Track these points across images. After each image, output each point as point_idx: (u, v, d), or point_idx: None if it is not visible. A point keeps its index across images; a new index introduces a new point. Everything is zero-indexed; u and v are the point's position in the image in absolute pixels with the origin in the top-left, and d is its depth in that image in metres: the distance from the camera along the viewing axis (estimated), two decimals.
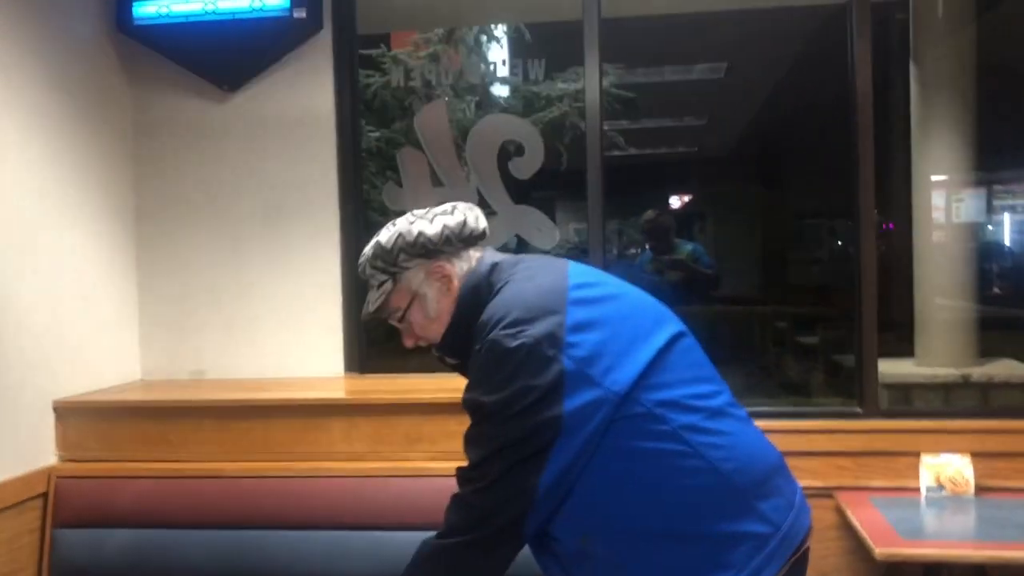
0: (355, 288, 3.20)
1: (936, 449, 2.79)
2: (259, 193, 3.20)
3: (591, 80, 3.10)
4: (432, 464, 2.63)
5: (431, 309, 1.62)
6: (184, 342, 3.24)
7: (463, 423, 2.63)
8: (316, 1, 3.10)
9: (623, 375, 1.43)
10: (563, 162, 4.78)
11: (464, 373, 1.61)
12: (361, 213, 3.25)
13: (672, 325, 1.56)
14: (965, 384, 3.80)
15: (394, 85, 3.79)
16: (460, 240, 1.62)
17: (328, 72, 3.18)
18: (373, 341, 3.70)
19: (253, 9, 3.07)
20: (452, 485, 2.57)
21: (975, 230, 4.60)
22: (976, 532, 2.55)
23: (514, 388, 1.39)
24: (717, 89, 6.66)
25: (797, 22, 4.95)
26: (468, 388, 1.49)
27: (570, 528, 1.46)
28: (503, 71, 4.24)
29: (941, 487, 2.74)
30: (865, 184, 2.96)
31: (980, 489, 2.73)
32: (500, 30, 5.03)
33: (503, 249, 3.41)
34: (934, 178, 4.23)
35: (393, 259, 1.61)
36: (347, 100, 3.20)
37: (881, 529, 2.46)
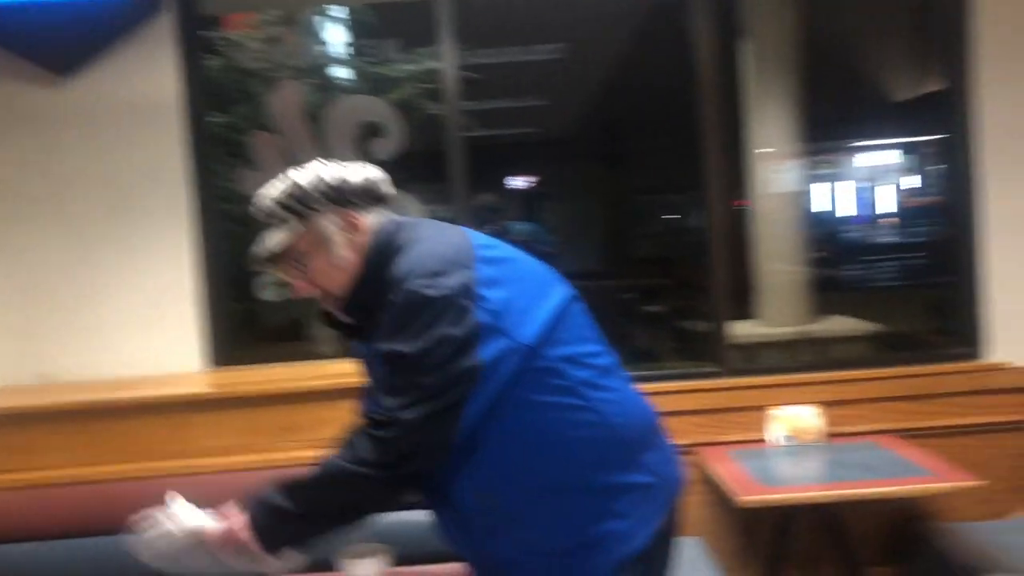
0: (212, 279, 3.09)
1: (786, 402, 2.99)
2: (104, 184, 3.03)
3: (448, 60, 3.10)
4: (307, 453, 2.57)
5: (337, 257, 1.57)
6: (32, 346, 3.04)
7: (335, 410, 2.61)
8: None
9: (530, 329, 1.48)
10: (411, 144, 4.76)
11: (352, 334, 1.62)
12: (214, 196, 3.13)
13: (565, 287, 1.61)
14: (805, 340, 4.07)
15: (241, 67, 3.65)
16: (373, 197, 1.61)
17: (170, 55, 3.04)
18: (230, 332, 3.58)
19: None
20: None
21: (800, 198, 4.92)
22: (826, 475, 2.77)
23: (434, 337, 1.41)
24: (558, 70, 6.78)
25: (625, 7, 5.10)
26: (386, 339, 1.45)
27: (471, 482, 1.49)
28: (347, 53, 4.17)
29: (793, 436, 2.94)
30: (711, 157, 3.11)
31: (828, 435, 2.95)
32: (342, 11, 4.94)
33: None
34: (764, 150, 4.47)
35: (310, 201, 1.56)
36: (194, 84, 3.08)
37: (741, 479, 2.62)
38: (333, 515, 1.51)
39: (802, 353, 4.06)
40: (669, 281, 7.48)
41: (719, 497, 2.96)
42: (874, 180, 13.32)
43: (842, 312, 4.55)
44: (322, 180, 1.57)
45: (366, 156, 3.18)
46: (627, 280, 7.97)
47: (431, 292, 1.43)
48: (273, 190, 1.59)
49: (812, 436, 2.93)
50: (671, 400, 2.86)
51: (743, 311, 4.41)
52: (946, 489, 2.55)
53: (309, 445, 2.58)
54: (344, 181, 1.58)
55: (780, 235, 4.47)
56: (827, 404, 3.00)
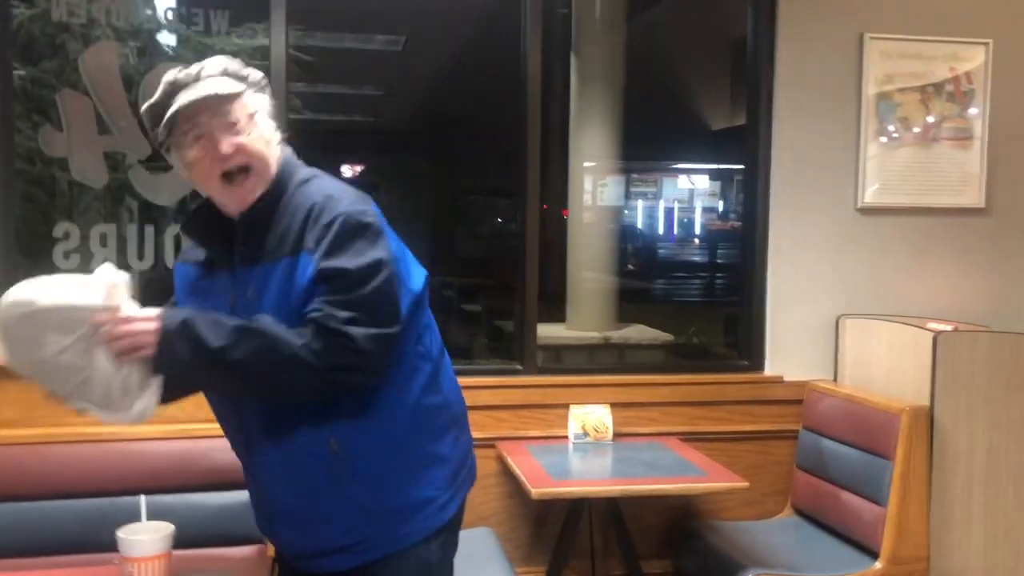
0: (5, 243, 2.90)
1: (583, 401, 3.15)
2: None
3: (277, 39, 3.06)
4: (97, 429, 2.47)
5: (268, 134, 1.54)
6: None
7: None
8: None
9: (416, 281, 1.59)
10: None
11: (214, 249, 1.58)
12: (11, 158, 2.93)
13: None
14: (606, 345, 4.29)
15: (55, 19, 3.43)
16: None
17: None
18: None
19: None
20: (120, 451, 2.46)
21: (616, 213, 5.17)
22: (612, 471, 2.93)
23: (372, 259, 1.46)
24: (394, 61, 6.78)
25: (472, 4, 5.18)
26: (324, 257, 1.44)
27: (337, 427, 1.52)
28: (174, 18, 3.99)
29: (586, 434, 3.11)
30: (532, 165, 3.22)
31: (617, 435, 3.13)
32: None
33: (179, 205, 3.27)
34: (587, 164, 4.68)
35: (246, 78, 1.54)
36: None
37: (536, 472, 2.74)
38: (248, 375, 1.44)
39: (603, 357, 4.27)
40: (489, 281, 7.62)
41: (514, 489, 3.08)
42: (686, 202, 14.14)
43: (646, 322, 4.82)
44: (255, 71, 1.56)
45: None
46: (449, 277, 8.06)
47: (366, 219, 1.48)
48: (206, 63, 1.50)
49: (603, 434, 3.10)
50: (477, 395, 2.93)
51: (554, 314, 4.59)
52: (716, 489, 2.78)
53: (95, 421, 2.49)
54: (265, 78, 1.58)
55: (594, 245, 4.68)
56: (620, 405, 3.18)
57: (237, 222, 1.53)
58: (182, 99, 1.44)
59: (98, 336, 1.40)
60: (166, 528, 1.73)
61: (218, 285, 1.56)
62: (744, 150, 3.44)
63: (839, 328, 3.31)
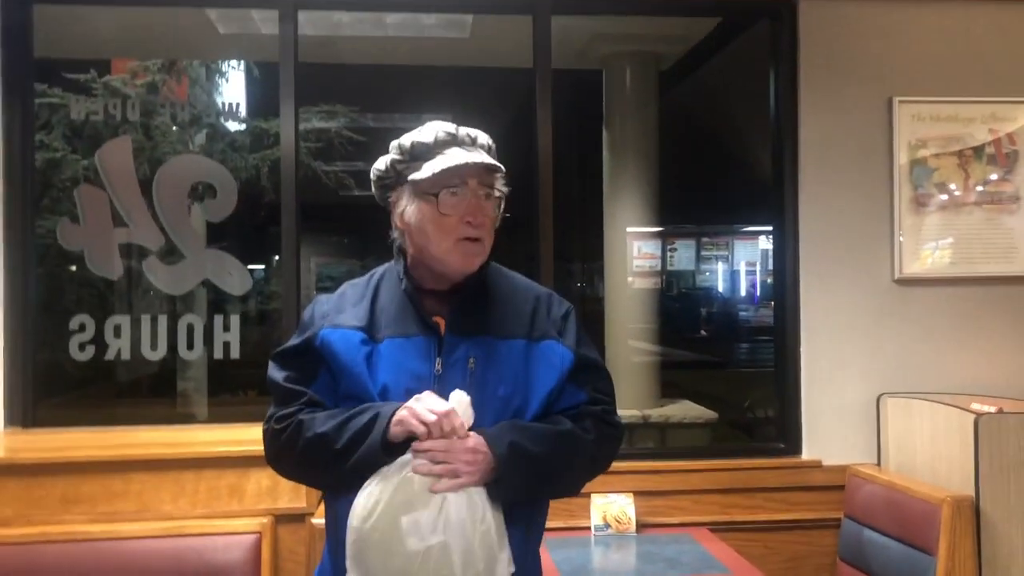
0: (19, 333, 2.94)
1: (607, 489, 2.99)
2: None
3: (286, 122, 3.08)
4: (91, 527, 2.45)
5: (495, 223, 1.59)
6: None
7: (128, 482, 2.50)
8: None
9: None
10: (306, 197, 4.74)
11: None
12: (31, 246, 2.99)
13: None
14: (645, 424, 4.11)
15: (80, 117, 3.56)
16: None
17: None
18: (62, 389, 3.43)
19: None
20: (114, 549, 2.42)
21: (677, 279, 5.04)
22: (633, 568, 2.75)
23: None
24: None
25: (511, 83, 5.22)
26: (579, 346, 1.57)
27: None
28: (229, 107, 4.14)
29: (607, 525, 2.94)
30: (544, 237, 3.15)
31: (643, 525, 2.95)
32: (227, 65, 4.91)
33: (191, 295, 3.30)
34: (634, 229, 4.56)
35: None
36: (17, 130, 2.97)
37: (547, 571, 2.58)
38: (559, 477, 1.50)
39: (641, 438, 4.10)
40: None
41: None
42: (751, 264, 13.81)
43: (703, 391, 4.63)
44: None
45: (197, 216, 3.12)
46: None
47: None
48: (482, 133, 1.58)
49: (625, 526, 2.93)
50: None
51: None
52: None
53: (94, 519, 2.48)
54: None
55: (639, 314, 4.54)
56: (647, 494, 3.01)
57: (455, 292, 1.56)
58: (467, 156, 1.48)
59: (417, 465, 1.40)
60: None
61: (415, 350, 1.51)
62: (771, 219, 3.28)
63: (880, 408, 3.08)
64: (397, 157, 1.54)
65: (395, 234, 1.59)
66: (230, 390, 4.33)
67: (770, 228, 3.32)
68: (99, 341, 3.08)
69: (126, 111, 3.70)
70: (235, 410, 4.32)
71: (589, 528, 2.96)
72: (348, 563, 1.40)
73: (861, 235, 3.14)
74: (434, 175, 1.47)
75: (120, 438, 2.79)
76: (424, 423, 1.39)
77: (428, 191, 1.49)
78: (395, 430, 1.40)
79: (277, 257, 3.41)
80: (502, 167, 1.52)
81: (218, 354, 3.13)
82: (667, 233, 4.57)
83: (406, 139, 1.53)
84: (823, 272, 3.14)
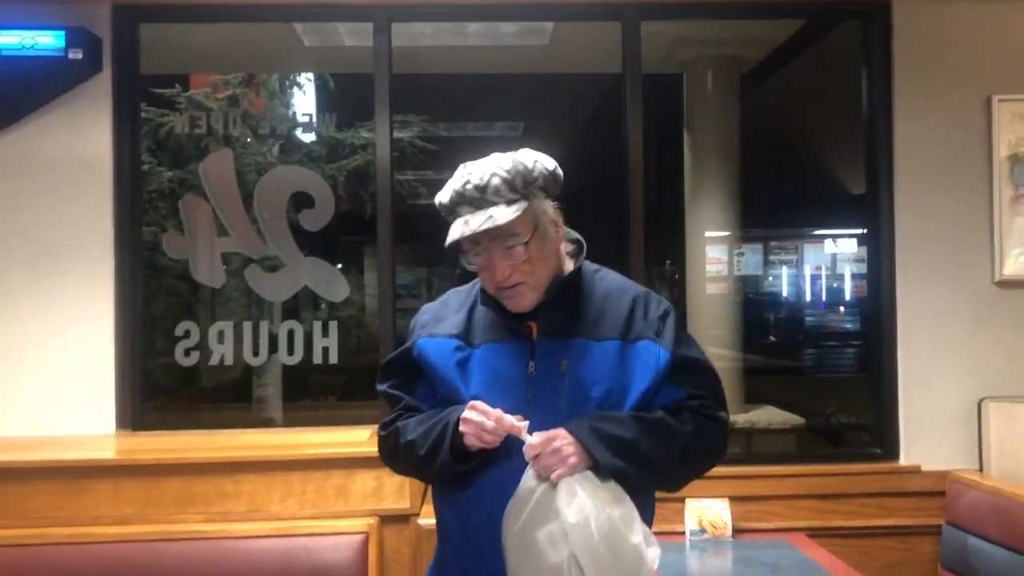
0: (129, 339, 3.06)
1: (700, 494, 2.98)
2: (27, 239, 3.01)
3: (381, 132, 3.14)
4: (205, 527, 2.53)
5: (547, 246, 1.56)
6: None
7: (239, 483, 2.58)
8: (94, 43, 2.98)
9: None
10: (368, 210, 4.80)
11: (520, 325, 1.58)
12: (139, 258, 3.11)
13: None
14: (731, 430, 4.07)
15: (178, 131, 3.68)
16: (558, 193, 1.61)
17: (106, 115, 3.05)
18: (152, 396, 3.53)
19: (24, 47, 2.92)
20: (227, 548, 2.50)
21: (746, 283, 4.98)
22: (731, 572, 2.74)
23: (702, 348, 1.64)
24: (517, 146, 6.89)
25: (586, 87, 5.24)
26: (673, 345, 1.57)
27: None
28: (307, 118, 4.23)
29: (703, 530, 2.93)
30: (635, 240, 3.17)
31: (738, 530, 2.94)
32: (303, 77, 5.01)
33: (292, 301, 3.39)
34: (712, 234, 4.54)
35: (532, 183, 1.51)
36: (127, 144, 3.08)
37: None
38: (652, 464, 1.51)
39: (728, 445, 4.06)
40: None
41: None
42: (830, 268, 13.57)
43: (785, 398, 4.58)
44: (541, 164, 1.53)
45: (294, 224, 3.20)
46: None
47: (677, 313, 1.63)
48: (494, 167, 1.50)
49: (721, 531, 2.92)
50: None
51: None
52: None
53: (208, 518, 2.56)
54: (556, 171, 1.56)
55: (719, 320, 4.51)
56: (741, 499, 2.99)
57: (545, 299, 1.58)
58: (469, 225, 1.48)
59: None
60: None
61: (508, 356, 1.56)
62: (865, 219, 3.25)
63: (982, 412, 3.02)
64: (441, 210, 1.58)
65: None
66: (310, 395, 4.42)
67: (844, 231, 3.30)
68: (203, 347, 3.19)
69: (218, 125, 3.79)
70: (309, 415, 4.40)
71: (684, 533, 2.96)
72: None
73: (959, 237, 3.09)
74: (449, 246, 1.52)
75: (229, 440, 2.87)
76: (487, 433, 1.45)
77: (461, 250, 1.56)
78: (469, 441, 1.48)
79: (339, 265, 3.53)
80: (506, 216, 1.47)
81: (317, 359, 3.21)
82: (735, 237, 4.51)
83: (439, 195, 1.56)
84: (920, 275, 3.10)
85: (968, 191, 3.09)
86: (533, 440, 1.44)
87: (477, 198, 1.49)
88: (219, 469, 2.57)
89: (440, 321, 1.64)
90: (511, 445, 1.48)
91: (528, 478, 1.45)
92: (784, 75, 4.70)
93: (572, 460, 1.44)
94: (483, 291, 1.63)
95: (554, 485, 1.44)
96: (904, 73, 3.11)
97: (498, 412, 1.46)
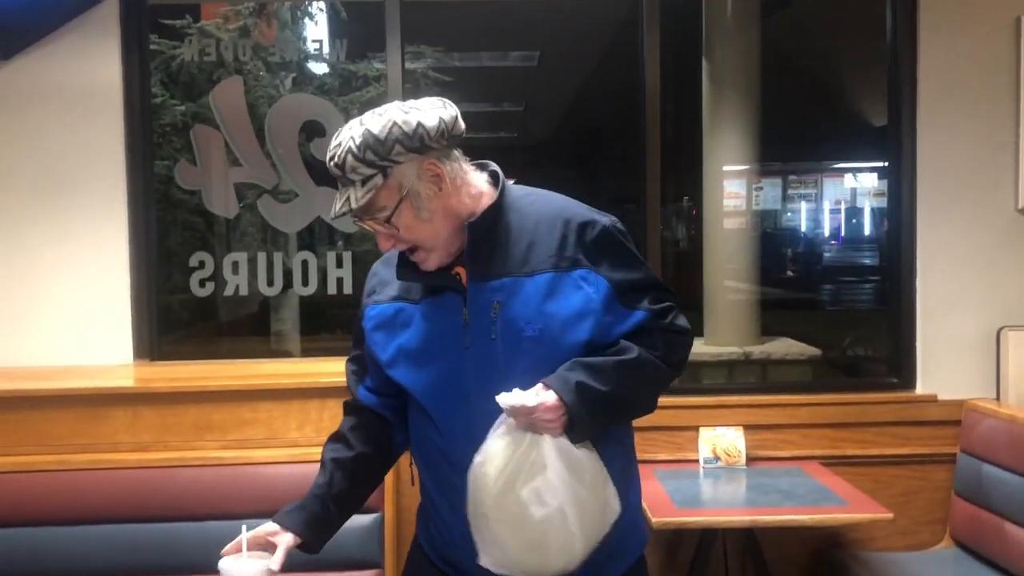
0: (144, 270, 3.06)
1: (714, 423, 3.00)
2: (37, 167, 2.99)
3: (392, 62, 3.09)
4: (223, 453, 2.56)
5: (423, 210, 1.45)
6: None
7: (256, 410, 2.60)
8: None
9: None
10: None
11: (440, 279, 1.52)
12: (151, 188, 3.09)
13: None
14: (746, 361, 4.08)
15: (188, 59, 3.62)
16: (451, 136, 1.46)
17: (115, 42, 3.00)
18: (170, 330, 3.56)
19: None
20: (245, 474, 2.53)
21: (763, 217, 4.94)
22: (744, 499, 2.76)
23: (640, 256, 1.57)
24: (533, 76, 6.79)
25: (604, 13, 5.11)
26: (615, 270, 1.49)
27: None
28: (319, 48, 4.16)
29: (717, 458, 2.95)
30: (651, 173, 3.12)
31: (751, 459, 2.96)
32: (315, 7, 4.92)
33: (307, 235, 3.39)
34: (731, 168, 4.48)
35: (387, 151, 1.40)
36: (136, 71, 3.04)
37: (659, 499, 2.62)
38: (629, 404, 1.51)
39: (743, 374, 4.07)
40: None
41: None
42: (847, 202, 13.42)
43: (803, 332, 4.57)
44: (396, 126, 1.40)
45: (307, 155, 3.17)
46: None
47: (619, 225, 1.54)
48: (347, 141, 1.41)
49: (735, 459, 2.93)
50: None
51: (695, 328, 4.42)
52: (857, 520, 2.56)
53: (225, 445, 2.59)
54: (420, 125, 1.41)
55: (736, 253, 4.48)
56: (756, 427, 3.00)
57: (469, 242, 1.49)
58: (335, 207, 1.45)
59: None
60: (261, 564, 1.68)
61: (443, 307, 1.50)
62: (886, 150, 3.19)
63: (1000, 341, 3.00)
64: None
65: None
66: (327, 329, 4.44)
67: (865, 164, 3.23)
68: (218, 277, 3.19)
69: (228, 54, 3.72)
70: (326, 346, 4.43)
71: (697, 461, 2.98)
72: (476, 539, 1.43)
73: (982, 164, 3.03)
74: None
75: (245, 369, 2.90)
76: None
77: None
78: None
79: None
80: (361, 199, 1.39)
81: (332, 290, 3.20)
82: (753, 171, 4.44)
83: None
84: (941, 204, 3.05)
85: (993, 118, 3.02)
86: (526, 401, 1.38)
87: (340, 176, 1.43)
88: (236, 397, 2.59)
89: (385, 285, 1.58)
90: (468, 392, 1.47)
91: (502, 434, 1.40)
92: (806, 1, 4.58)
93: (560, 428, 1.40)
94: (401, 262, 1.55)
95: (537, 439, 1.40)
96: None
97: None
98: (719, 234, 4.45)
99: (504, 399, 1.38)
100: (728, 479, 2.87)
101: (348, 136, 1.41)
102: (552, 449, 1.40)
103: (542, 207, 1.53)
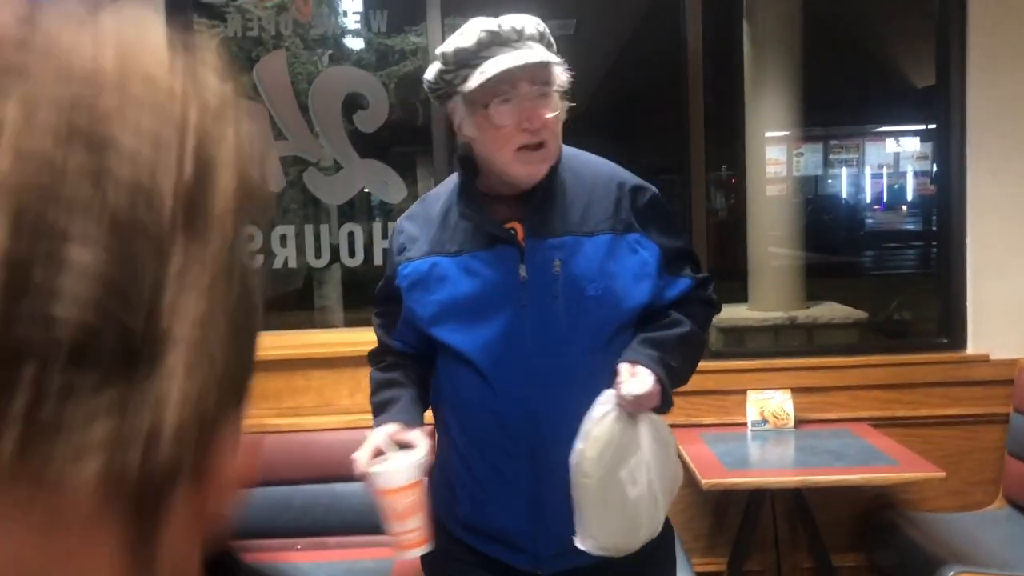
0: None
1: (761, 386, 2.99)
2: None
3: (433, 35, 3.09)
4: (278, 420, 2.63)
5: (563, 110, 1.46)
6: None
7: (308, 379, 2.65)
8: None
9: None
10: (420, 117, 4.75)
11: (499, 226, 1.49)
12: None
13: None
14: (792, 326, 4.06)
15: (231, 35, 3.66)
16: None
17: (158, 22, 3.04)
18: None
19: None
20: (299, 440, 2.59)
21: (804, 183, 4.89)
22: (793, 460, 2.77)
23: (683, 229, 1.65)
24: (570, 44, 6.74)
25: None
26: (660, 234, 1.51)
27: None
28: (355, 23, 4.16)
29: (765, 421, 2.95)
30: (695, 139, 3.10)
31: (799, 422, 2.95)
32: None
33: (350, 204, 3.41)
34: (772, 134, 4.43)
35: (553, 47, 1.44)
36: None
37: (708, 462, 2.63)
38: (686, 371, 1.54)
39: (788, 338, 4.05)
40: None
41: (689, 478, 2.97)
42: (893, 167, 13.19)
43: (848, 298, 4.53)
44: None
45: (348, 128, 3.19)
46: None
47: (659, 194, 1.56)
48: (531, 20, 1.41)
49: (784, 421, 2.93)
50: None
51: (738, 294, 4.41)
52: (909, 479, 2.56)
53: (280, 413, 2.65)
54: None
55: (780, 219, 4.46)
56: (803, 390, 2.99)
57: (528, 195, 1.47)
58: (511, 60, 1.35)
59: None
60: (416, 455, 1.51)
61: (496, 263, 1.47)
62: (936, 109, 3.14)
63: None
64: (443, 67, 1.42)
65: (459, 143, 1.50)
66: (371, 303, 4.47)
67: (908, 127, 3.17)
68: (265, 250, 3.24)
69: (270, 28, 3.73)
70: (369, 317, 4.46)
71: (745, 424, 2.98)
72: (578, 526, 1.43)
73: None
74: (480, 86, 1.36)
75: (296, 339, 2.95)
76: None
77: (479, 102, 1.40)
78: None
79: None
80: (555, 59, 1.40)
81: (377, 261, 3.23)
82: (793, 137, 4.37)
83: (448, 45, 1.41)
84: (991, 162, 2.99)
85: None
86: (646, 387, 1.38)
87: (514, 39, 1.37)
88: (290, 366, 2.65)
89: (414, 240, 1.54)
90: (527, 352, 1.45)
91: (603, 419, 1.40)
92: None
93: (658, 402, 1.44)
94: (461, 197, 1.51)
95: (634, 420, 1.42)
96: None
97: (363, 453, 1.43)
98: (762, 200, 4.41)
99: (629, 388, 1.38)
100: (777, 441, 2.87)
101: (526, 18, 1.40)
102: (647, 428, 1.44)
103: (595, 168, 1.53)
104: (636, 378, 1.39)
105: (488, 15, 1.41)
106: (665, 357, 1.44)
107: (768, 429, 2.94)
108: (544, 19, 1.45)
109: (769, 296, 4.28)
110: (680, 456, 2.72)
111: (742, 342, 3.96)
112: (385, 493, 1.44)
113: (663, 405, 1.45)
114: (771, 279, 4.36)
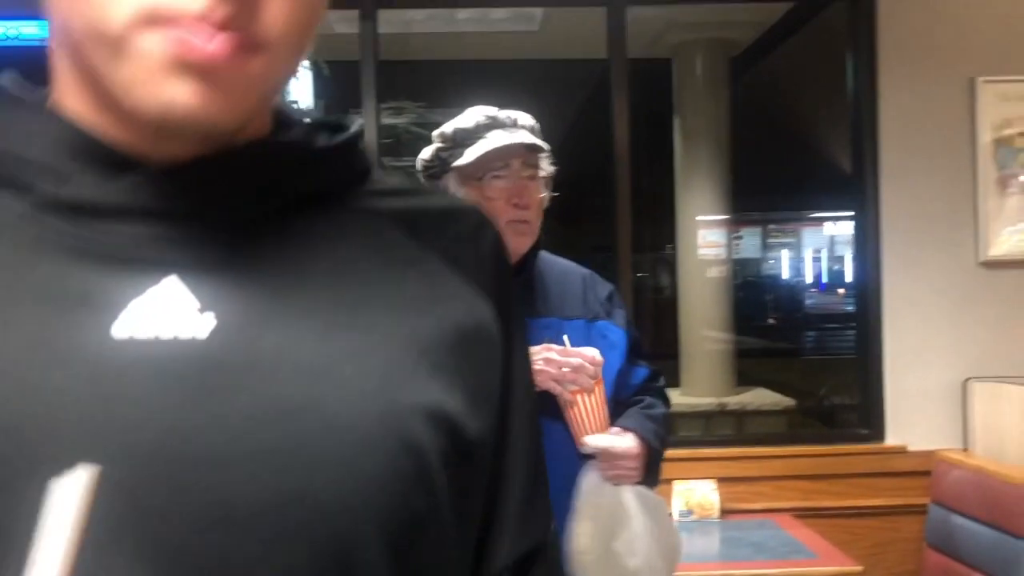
0: None
1: (688, 476, 3.01)
2: None
3: (368, 120, 3.15)
4: None
5: (543, 194, 1.57)
6: None
7: None
8: None
9: None
10: None
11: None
12: None
13: None
14: (722, 412, 4.11)
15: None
16: None
17: None
18: None
19: (7, 37, 2.94)
20: None
21: (745, 266, 5.01)
22: (717, 553, 2.78)
23: None
24: None
25: (579, 74, 5.24)
26: (629, 325, 1.62)
27: None
28: (296, 106, 4.21)
29: (690, 511, 2.96)
30: (623, 228, 3.17)
31: (726, 511, 2.97)
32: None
33: None
34: (705, 218, 4.54)
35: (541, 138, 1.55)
36: None
37: None
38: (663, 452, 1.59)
39: (719, 425, 4.09)
40: None
41: None
42: (828, 250, 13.59)
43: (780, 380, 4.60)
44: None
45: None
46: None
47: None
48: (524, 115, 1.55)
49: (709, 512, 2.95)
50: None
51: (671, 378, 4.45)
52: (826, 574, 2.57)
53: None
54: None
55: (712, 303, 4.53)
56: (729, 480, 3.02)
57: (517, 274, 1.51)
58: (509, 138, 1.46)
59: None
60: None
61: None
62: (851, 203, 3.26)
63: (966, 393, 3.04)
64: (440, 145, 1.53)
65: None
66: None
67: (842, 213, 3.29)
68: None
69: None
70: None
71: (671, 514, 2.99)
72: None
73: (944, 217, 3.09)
74: (477, 159, 1.46)
75: None
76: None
77: (473, 176, 1.49)
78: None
79: None
80: (545, 146, 1.51)
81: None
82: (732, 221, 4.51)
83: (448, 126, 1.53)
84: (906, 255, 3.11)
85: (953, 172, 3.10)
86: (615, 445, 1.45)
87: (510, 125, 1.50)
88: None
89: None
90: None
91: (595, 484, 1.45)
92: (775, 58, 4.70)
93: (640, 471, 1.49)
94: None
95: (618, 491, 1.47)
96: (888, 54, 3.11)
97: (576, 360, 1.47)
98: (695, 283, 4.50)
99: (594, 440, 1.44)
100: (701, 532, 2.88)
101: (520, 112, 1.54)
102: (633, 498, 1.47)
103: (562, 263, 1.66)
104: (604, 435, 1.46)
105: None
106: (656, 428, 1.53)
107: (693, 520, 2.95)
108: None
109: (701, 381, 4.34)
110: None
111: (672, 429, 3.99)
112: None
113: (649, 476, 1.50)
114: (704, 363, 4.42)
